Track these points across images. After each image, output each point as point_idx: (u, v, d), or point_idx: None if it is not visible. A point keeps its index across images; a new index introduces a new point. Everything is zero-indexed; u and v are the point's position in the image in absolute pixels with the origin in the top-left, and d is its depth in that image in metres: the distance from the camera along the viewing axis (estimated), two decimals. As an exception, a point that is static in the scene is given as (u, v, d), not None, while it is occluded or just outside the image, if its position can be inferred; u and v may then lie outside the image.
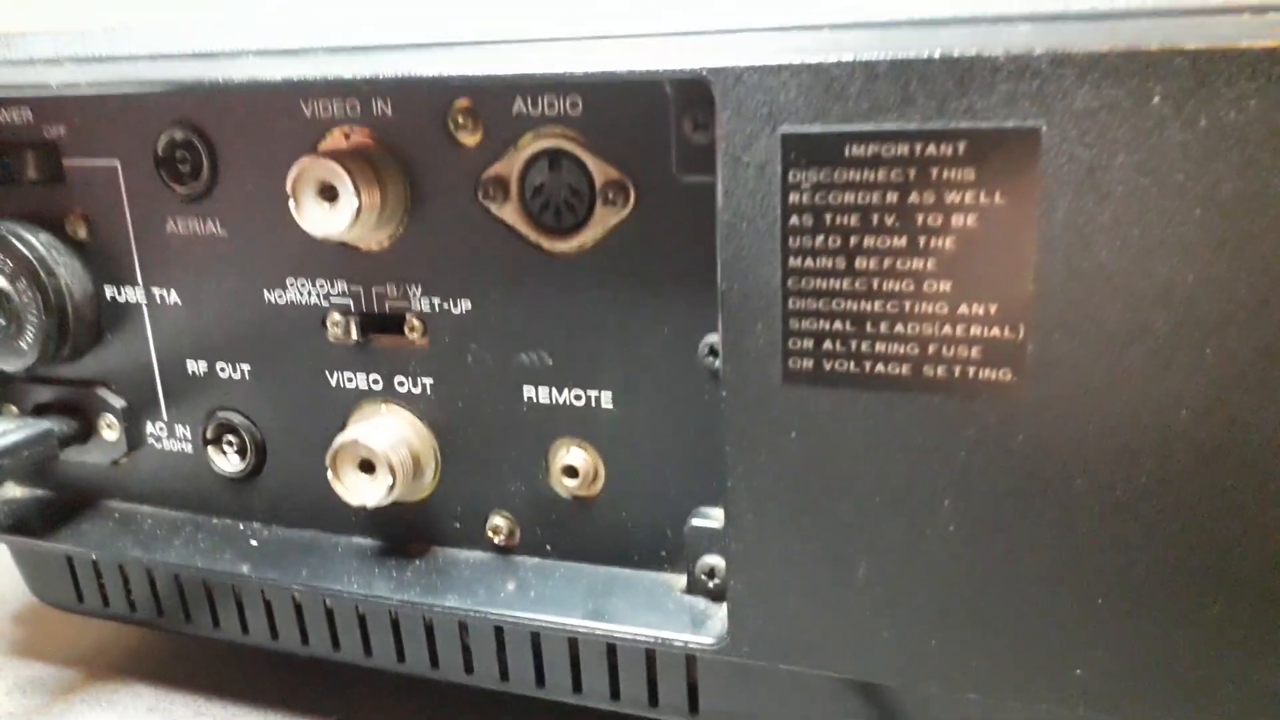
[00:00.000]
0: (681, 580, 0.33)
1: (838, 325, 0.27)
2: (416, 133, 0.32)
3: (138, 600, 0.41)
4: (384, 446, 0.33)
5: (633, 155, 0.30)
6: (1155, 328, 0.24)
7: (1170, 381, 0.24)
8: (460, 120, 0.32)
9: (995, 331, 0.25)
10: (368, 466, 0.34)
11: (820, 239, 0.26)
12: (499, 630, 0.35)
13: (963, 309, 0.26)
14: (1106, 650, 0.26)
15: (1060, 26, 0.24)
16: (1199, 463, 0.25)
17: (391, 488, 0.33)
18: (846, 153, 0.26)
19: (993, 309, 0.25)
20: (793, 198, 0.26)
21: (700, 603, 0.32)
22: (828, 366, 0.27)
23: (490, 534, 0.35)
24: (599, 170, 0.31)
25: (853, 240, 0.26)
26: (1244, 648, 0.25)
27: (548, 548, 0.34)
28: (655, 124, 0.30)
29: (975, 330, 0.26)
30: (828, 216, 0.26)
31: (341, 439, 0.33)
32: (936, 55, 0.24)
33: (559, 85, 0.30)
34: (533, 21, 0.30)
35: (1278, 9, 0.23)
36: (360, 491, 0.34)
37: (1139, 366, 0.24)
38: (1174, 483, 0.25)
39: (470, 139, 0.32)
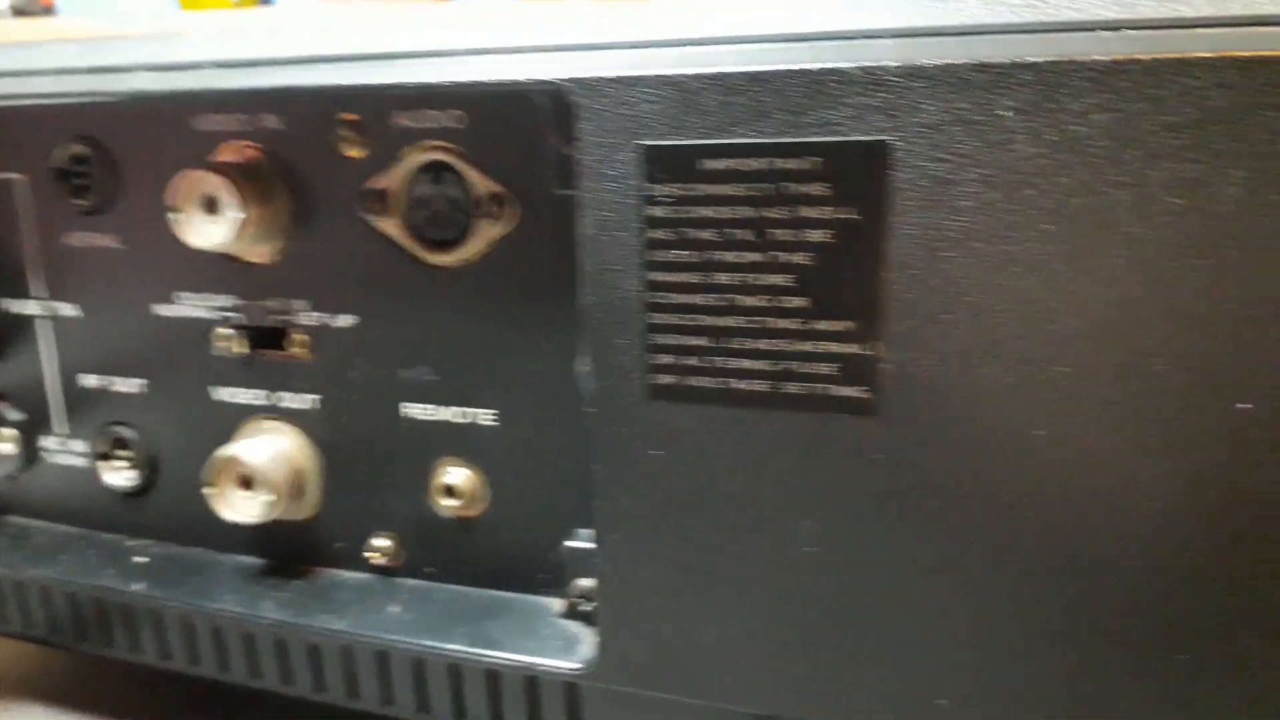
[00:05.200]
0: (561, 604, 0.32)
1: (699, 340, 0.26)
2: (303, 146, 0.32)
3: (33, 617, 0.41)
4: (264, 463, 0.33)
5: (514, 169, 0.30)
6: (1008, 345, 0.24)
7: (1023, 399, 0.24)
8: (345, 133, 0.31)
9: (851, 348, 0.25)
10: (249, 483, 0.33)
11: (680, 253, 0.26)
12: (382, 655, 0.34)
13: (820, 325, 0.25)
14: (969, 679, 0.26)
15: (923, 42, 0.24)
16: (1055, 482, 0.24)
17: (270, 505, 0.33)
18: (704, 166, 0.25)
19: (848, 326, 0.25)
20: (653, 211, 0.26)
21: (575, 627, 0.31)
22: (690, 382, 0.26)
23: (373, 555, 0.34)
24: (480, 183, 0.30)
25: (711, 255, 0.26)
26: (1108, 667, 0.25)
27: (431, 570, 0.34)
28: (535, 138, 0.29)
29: (832, 347, 0.25)
30: (687, 231, 0.26)
31: (220, 454, 0.33)
32: (789, 68, 0.24)
33: (433, 97, 0.30)
34: (413, 36, 0.29)
35: (1131, 25, 0.23)
36: (239, 508, 0.33)
37: (992, 384, 0.24)
38: (1030, 504, 0.24)
39: (355, 152, 0.32)
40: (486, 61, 0.28)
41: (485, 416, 0.32)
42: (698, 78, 0.25)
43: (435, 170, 0.31)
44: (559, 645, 0.30)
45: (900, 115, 0.24)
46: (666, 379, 0.27)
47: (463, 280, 0.31)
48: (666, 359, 0.26)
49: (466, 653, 0.31)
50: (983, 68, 0.23)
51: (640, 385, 0.27)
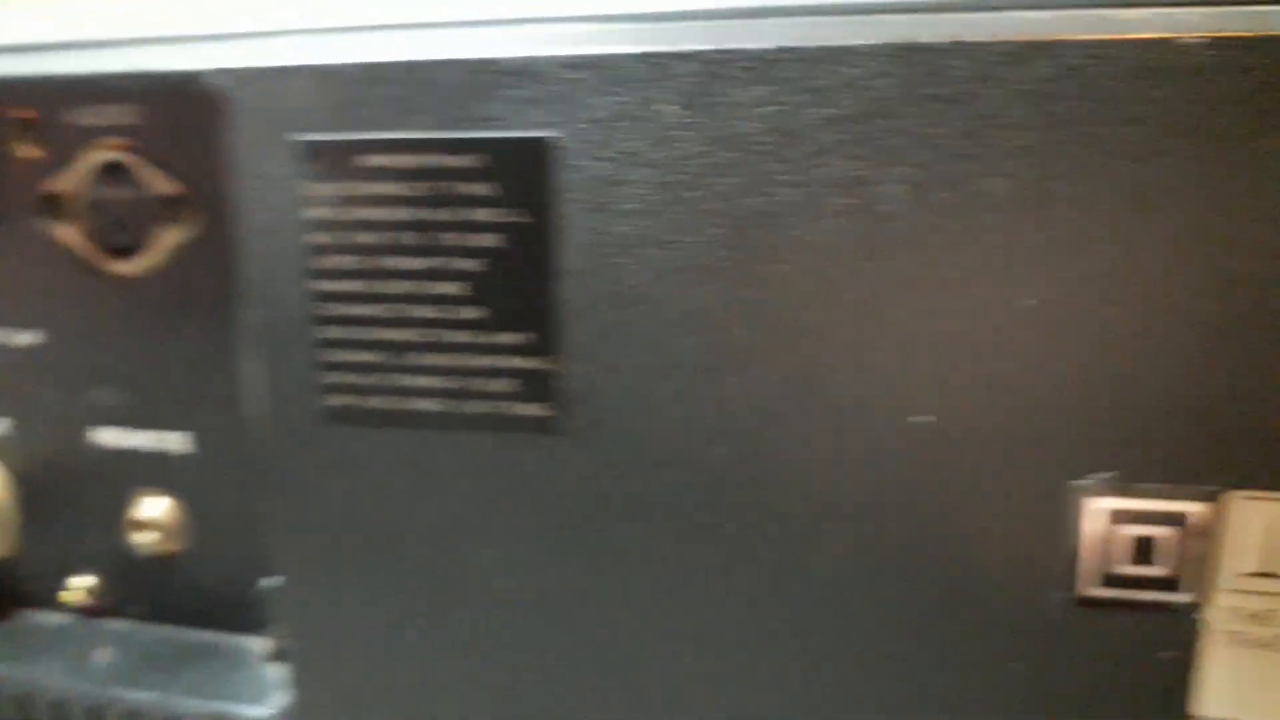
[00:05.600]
0: (266, 646, 0.29)
1: (371, 357, 0.24)
2: (-28, 145, 0.29)
3: None
4: (-62, 498, 0.29)
5: (196, 168, 0.27)
6: (683, 356, 0.22)
7: (701, 414, 0.22)
8: (17, 131, 0.28)
9: (530, 363, 0.23)
10: (-76, 521, 0.30)
11: (345, 259, 0.24)
12: (95, 710, 0.31)
13: (497, 338, 0.23)
14: (681, 703, 0.24)
15: (587, 29, 0.22)
16: (737, 499, 0.22)
17: (-54, 545, 0.29)
18: (363, 163, 0.23)
19: (526, 338, 0.23)
20: (313, 213, 0.23)
21: (274, 669, 0.28)
22: (365, 404, 0.24)
23: (74, 595, 0.31)
24: (159, 184, 0.27)
25: (378, 261, 0.23)
26: (815, 675, 0.23)
27: (137, 610, 0.31)
28: (215, 134, 0.27)
29: (510, 361, 0.23)
30: (351, 235, 0.23)
31: (-114, 491, 0.29)
32: (442, 58, 0.22)
33: (104, 91, 0.27)
34: (78, 25, 0.27)
35: (807, 11, 0.22)
36: (-89, 550, 0.29)
37: (670, 398, 0.22)
38: (717, 520, 0.23)
39: (29, 152, 0.28)
40: (149, 51, 0.25)
41: (181, 441, 0.29)
42: (350, 68, 0.22)
43: (111, 170, 0.28)
44: (253, 690, 0.27)
45: (563, 109, 0.22)
46: (340, 400, 0.24)
47: (148, 290, 0.28)
48: (338, 378, 0.24)
49: (138, 701, 0.28)
50: (643, 58, 0.21)
51: (312, 408, 0.24)
